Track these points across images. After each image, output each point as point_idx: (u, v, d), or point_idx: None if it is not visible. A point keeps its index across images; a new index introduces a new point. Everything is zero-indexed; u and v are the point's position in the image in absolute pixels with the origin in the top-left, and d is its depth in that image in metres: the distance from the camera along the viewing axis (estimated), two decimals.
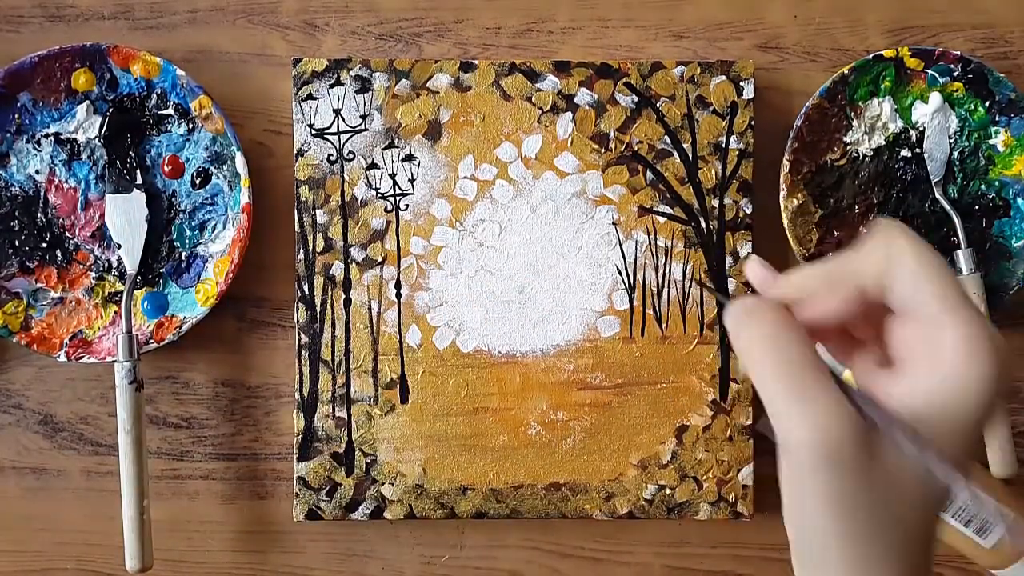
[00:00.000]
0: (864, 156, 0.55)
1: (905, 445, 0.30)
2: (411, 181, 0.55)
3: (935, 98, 0.55)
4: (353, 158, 0.54)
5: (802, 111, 0.54)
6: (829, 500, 0.30)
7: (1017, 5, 0.57)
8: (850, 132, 0.55)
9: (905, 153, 0.55)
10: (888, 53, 0.54)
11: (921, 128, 0.55)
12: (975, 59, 0.54)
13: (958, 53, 0.54)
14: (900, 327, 0.32)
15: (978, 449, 0.37)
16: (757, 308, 0.32)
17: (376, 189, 0.54)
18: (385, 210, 0.55)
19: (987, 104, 0.55)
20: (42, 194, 0.54)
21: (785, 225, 0.54)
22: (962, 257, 0.53)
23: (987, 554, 0.52)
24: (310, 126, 0.54)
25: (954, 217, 0.54)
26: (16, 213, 0.54)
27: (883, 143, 0.55)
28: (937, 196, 0.55)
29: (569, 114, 0.55)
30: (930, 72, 0.55)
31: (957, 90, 0.55)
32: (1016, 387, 0.57)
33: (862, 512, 0.31)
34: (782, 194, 0.54)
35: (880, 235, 0.32)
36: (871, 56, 0.54)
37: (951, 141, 0.55)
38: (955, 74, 0.54)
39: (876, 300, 0.32)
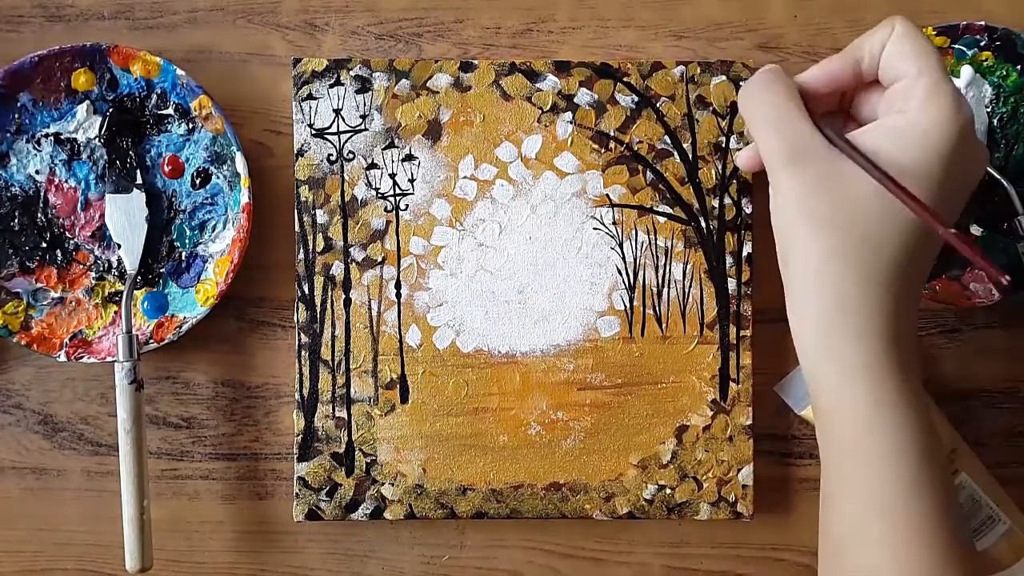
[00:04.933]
0: None
1: (862, 164, 0.38)
2: (411, 181, 0.55)
3: (966, 71, 0.54)
4: (353, 158, 0.54)
5: None
6: (796, 195, 0.39)
7: (1018, 5, 0.57)
8: None
9: None
10: None
11: None
12: (1000, 27, 0.54)
13: (982, 23, 0.53)
14: (877, 95, 0.41)
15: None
16: (761, 75, 0.42)
17: (376, 189, 0.54)
18: (385, 210, 0.55)
19: (1019, 68, 0.54)
20: (42, 194, 0.54)
21: None
22: (1021, 225, 0.53)
23: (986, 554, 0.52)
24: (310, 126, 0.54)
25: (1006, 184, 0.54)
26: (16, 213, 0.54)
27: None
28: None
29: (569, 114, 0.55)
30: (956, 47, 0.54)
31: (986, 59, 0.54)
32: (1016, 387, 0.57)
33: (823, 207, 0.38)
34: None
35: (886, 21, 0.40)
36: None
37: (988, 110, 0.55)
38: (982, 44, 0.54)
39: (867, 72, 0.41)
